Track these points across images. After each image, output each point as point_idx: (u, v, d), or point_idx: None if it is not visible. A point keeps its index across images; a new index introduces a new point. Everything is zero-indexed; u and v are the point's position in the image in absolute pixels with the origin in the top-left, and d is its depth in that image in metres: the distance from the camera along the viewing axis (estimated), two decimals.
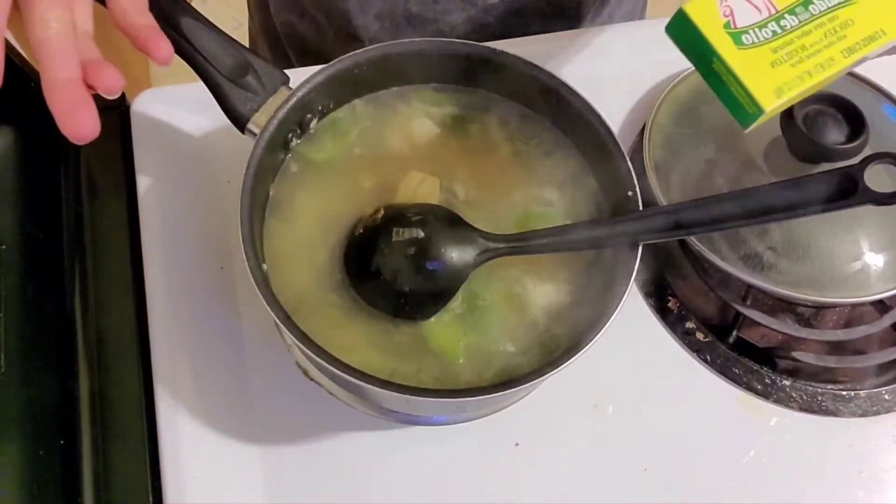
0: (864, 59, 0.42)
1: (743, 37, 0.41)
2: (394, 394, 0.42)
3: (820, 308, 0.59)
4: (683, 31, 0.42)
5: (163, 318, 0.55)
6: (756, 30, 0.41)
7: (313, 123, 0.51)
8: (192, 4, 0.48)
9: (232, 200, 0.45)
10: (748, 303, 0.57)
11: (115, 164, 0.61)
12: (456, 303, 0.47)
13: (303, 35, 0.72)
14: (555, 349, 0.47)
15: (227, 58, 0.47)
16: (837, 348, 0.58)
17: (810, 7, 0.42)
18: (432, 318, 0.47)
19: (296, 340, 0.42)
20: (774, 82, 0.41)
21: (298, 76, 0.49)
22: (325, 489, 0.51)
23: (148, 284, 0.56)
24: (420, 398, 0.43)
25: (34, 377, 0.51)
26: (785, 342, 0.58)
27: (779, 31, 0.41)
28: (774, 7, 0.42)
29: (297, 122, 0.50)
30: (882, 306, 0.59)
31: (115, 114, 0.63)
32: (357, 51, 0.49)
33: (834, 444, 0.54)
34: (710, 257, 0.55)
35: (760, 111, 0.41)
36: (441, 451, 0.53)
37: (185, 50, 0.46)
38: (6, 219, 0.55)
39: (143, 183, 0.59)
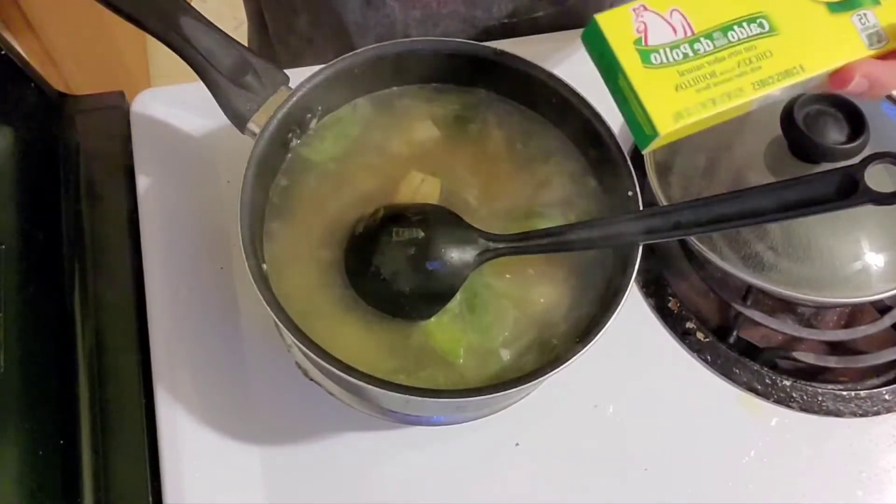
0: (774, 94, 0.41)
1: (652, 55, 0.40)
2: (394, 394, 0.42)
3: (820, 308, 0.58)
4: (595, 41, 0.41)
5: (163, 318, 0.55)
6: (667, 50, 0.40)
7: (313, 123, 0.51)
8: (192, 4, 0.48)
9: (232, 200, 0.44)
10: (748, 303, 0.57)
11: (115, 164, 0.61)
12: (456, 303, 0.47)
13: (299, 54, 0.73)
14: (555, 349, 0.47)
15: (227, 58, 0.47)
16: (838, 348, 0.58)
17: (729, 34, 0.41)
18: (432, 318, 0.47)
19: (295, 340, 0.42)
20: (675, 106, 0.40)
21: (298, 76, 0.49)
22: (325, 489, 0.51)
23: (148, 284, 0.56)
24: (420, 398, 0.43)
25: (34, 377, 0.51)
26: (785, 342, 0.58)
27: (690, 53, 0.40)
28: (692, 29, 0.41)
29: (297, 122, 0.50)
30: (882, 306, 0.59)
31: (116, 114, 0.63)
32: (357, 51, 0.49)
33: (834, 444, 0.54)
34: (710, 257, 0.55)
35: (656, 133, 0.40)
36: (441, 452, 0.53)
37: (185, 50, 0.46)
38: (6, 219, 0.55)
39: (142, 183, 0.59)
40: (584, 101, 0.49)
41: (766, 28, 0.41)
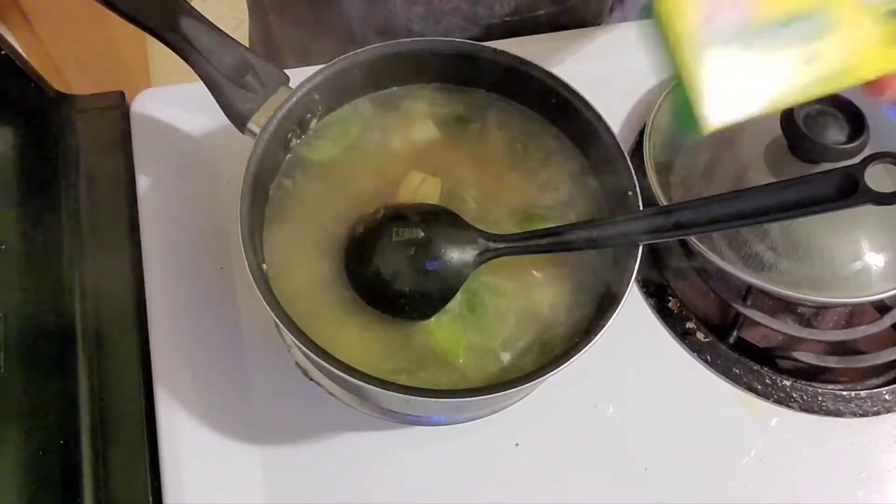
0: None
1: (710, 39, 0.37)
2: (394, 394, 0.42)
3: (820, 308, 0.58)
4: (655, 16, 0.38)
5: (163, 317, 0.55)
6: (728, 35, 0.38)
7: (313, 123, 0.51)
8: (192, 4, 0.48)
9: (232, 200, 0.44)
10: (748, 303, 0.57)
11: (114, 164, 0.61)
12: (456, 303, 0.47)
13: (302, 51, 0.73)
14: (555, 349, 0.46)
15: (227, 57, 0.47)
16: (838, 348, 0.58)
17: (790, 27, 0.38)
18: (432, 318, 0.47)
19: (296, 340, 0.42)
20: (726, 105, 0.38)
21: (298, 76, 0.48)
22: (325, 489, 0.51)
23: (148, 284, 0.56)
24: (420, 398, 0.43)
25: (34, 377, 0.51)
26: (785, 342, 0.58)
27: (750, 45, 0.38)
28: (753, 18, 0.38)
29: (297, 122, 0.50)
30: (882, 306, 0.59)
31: (115, 114, 0.63)
32: (357, 51, 0.49)
33: (834, 444, 0.54)
34: (710, 257, 0.55)
35: (700, 133, 0.38)
36: (441, 452, 0.53)
37: (185, 50, 0.46)
38: (6, 218, 0.55)
39: (142, 183, 0.59)
40: (584, 101, 0.49)
41: (826, 25, 0.39)
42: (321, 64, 0.49)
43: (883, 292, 0.54)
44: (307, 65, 0.56)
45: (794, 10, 0.38)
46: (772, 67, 0.38)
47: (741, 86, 0.38)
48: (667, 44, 0.38)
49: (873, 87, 0.41)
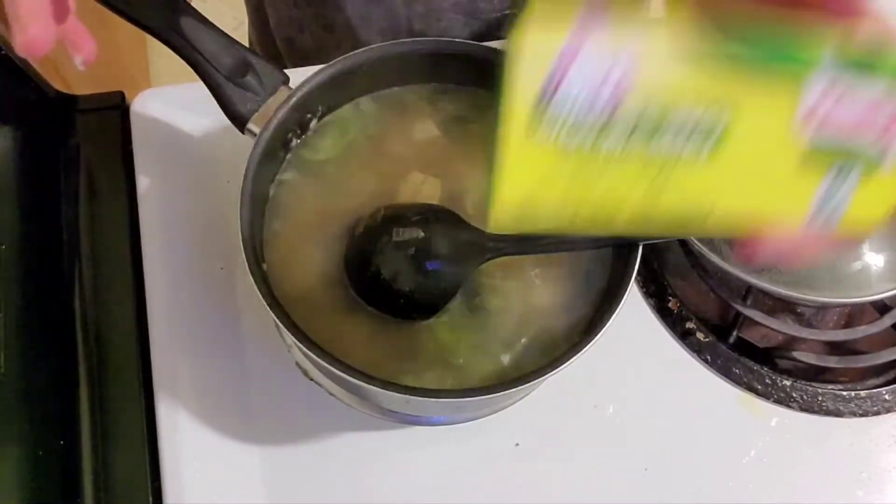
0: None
1: (543, 126, 0.29)
2: (394, 394, 0.42)
3: (820, 308, 0.58)
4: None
5: (163, 318, 0.55)
6: (566, 125, 0.28)
7: (313, 123, 0.51)
8: (192, 4, 0.48)
9: (232, 200, 0.44)
10: (748, 303, 0.57)
11: (114, 164, 0.61)
12: (456, 303, 0.47)
13: (302, 50, 0.73)
14: (555, 349, 0.46)
15: (227, 57, 0.47)
16: (838, 348, 0.58)
17: (652, 141, 0.28)
18: (432, 318, 0.47)
19: (296, 341, 0.42)
20: (526, 203, 0.30)
21: (298, 76, 0.48)
22: (325, 489, 0.51)
23: (148, 284, 0.56)
24: (420, 398, 0.43)
25: (34, 377, 0.51)
26: (785, 342, 0.58)
27: (588, 146, 0.29)
28: (615, 111, 0.28)
29: (297, 122, 0.50)
30: (882, 306, 0.59)
31: (115, 114, 0.63)
32: (357, 51, 0.49)
33: (834, 444, 0.54)
34: (710, 257, 0.55)
35: (489, 223, 0.31)
36: (441, 452, 0.53)
37: (185, 49, 0.46)
38: (6, 219, 0.55)
39: (142, 183, 0.59)
40: None
41: (709, 143, 0.28)
42: (325, 60, 0.49)
43: (883, 292, 0.54)
44: (307, 65, 0.56)
45: (680, 106, 0.28)
46: (607, 182, 0.29)
47: (549, 195, 0.29)
48: (499, 103, 0.29)
49: (746, 245, 0.31)
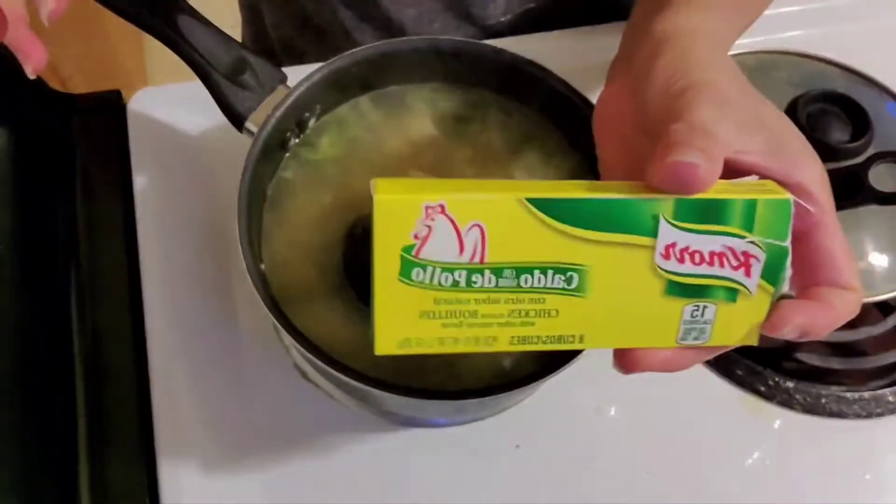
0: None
1: (415, 271, 0.31)
2: (393, 396, 0.41)
3: None
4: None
5: (160, 318, 0.54)
6: (437, 270, 0.31)
7: (311, 122, 0.51)
8: (190, 2, 0.47)
9: (230, 200, 0.44)
10: None
11: (111, 164, 0.60)
12: None
13: (301, 50, 0.72)
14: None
15: (225, 56, 0.47)
16: (841, 349, 0.58)
17: (523, 277, 0.32)
18: None
19: (294, 342, 0.42)
20: (407, 332, 0.32)
21: (296, 75, 0.48)
22: (324, 490, 0.51)
23: (145, 284, 0.55)
24: (419, 399, 0.42)
25: (31, 379, 0.51)
26: (788, 343, 0.58)
27: (463, 283, 0.31)
28: (482, 256, 0.31)
29: (295, 121, 0.49)
30: (886, 307, 0.58)
31: (113, 113, 0.62)
32: (355, 49, 0.49)
33: (838, 446, 0.54)
34: None
35: (373, 350, 0.33)
36: (441, 453, 0.52)
37: (182, 48, 0.46)
38: (5, 219, 0.54)
39: (140, 182, 0.59)
40: (584, 100, 0.49)
41: (574, 285, 0.32)
42: (320, 62, 0.49)
43: (887, 293, 0.53)
44: (305, 63, 0.56)
45: (545, 258, 0.32)
46: (483, 311, 0.32)
47: (428, 326, 0.32)
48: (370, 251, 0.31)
49: (625, 356, 0.34)
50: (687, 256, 0.32)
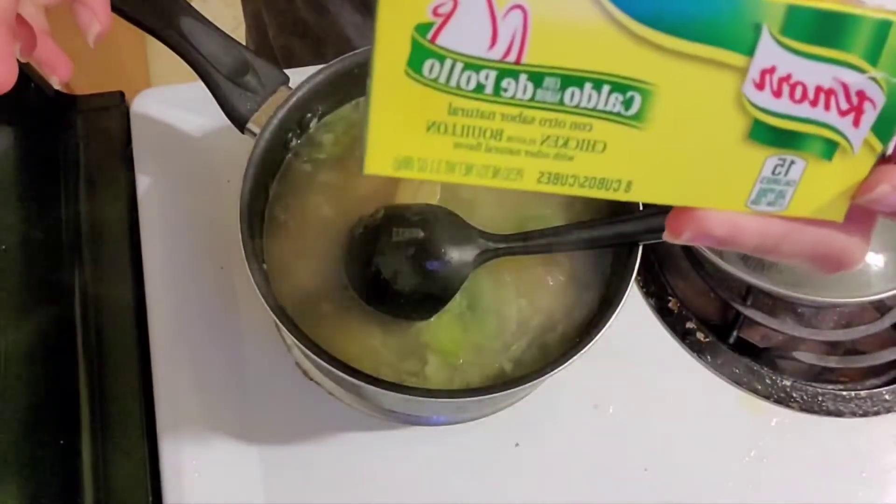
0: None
1: (428, 63, 0.23)
2: (394, 394, 0.42)
3: (820, 308, 0.58)
4: None
5: (162, 318, 0.55)
6: (459, 65, 0.23)
7: (313, 123, 0.51)
8: (192, 4, 0.48)
9: (232, 200, 0.44)
10: (748, 303, 0.57)
11: (114, 164, 0.61)
12: (456, 303, 0.47)
13: (300, 59, 0.73)
14: (554, 349, 0.46)
15: (227, 57, 0.47)
16: (838, 348, 0.58)
17: (569, 90, 0.24)
18: (432, 318, 0.47)
19: (296, 341, 0.42)
20: (407, 150, 0.25)
21: (298, 76, 0.48)
22: (325, 489, 0.51)
23: (148, 284, 0.56)
24: (420, 398, 0.43)
25: (34, 377, 0.51)
26: (785, 342, 0.58)
27: (489, 90, 0.24)
28: (521, 53, 0.23)
29: (297, 122, 0.50)
30: (882, 306, 0.59)
31: (115, 114, 0.63)
32: (356, 51, 0.49)
33: (835, 444, 0.54)
34: (710, 257, 0.55)
35: (363, 168, 0.25)
36: (441, 452, 0.53)
37: (185, 49, 0.46)
38: (6, 219, 0.55)
39: (142, 183, 0.59)
40: None
41: (633, 110, 0.24)
42: (321, 64, 0.49)
43: (883, 292, 0.54)
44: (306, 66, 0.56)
45: (602, 67, 0.24)
46: (511, 132, 0.25)
47: (438, 139, 0.25)
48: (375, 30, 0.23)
49: (678, 216, 0.27)
50: (786, 89, 0.25)
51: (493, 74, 0.23)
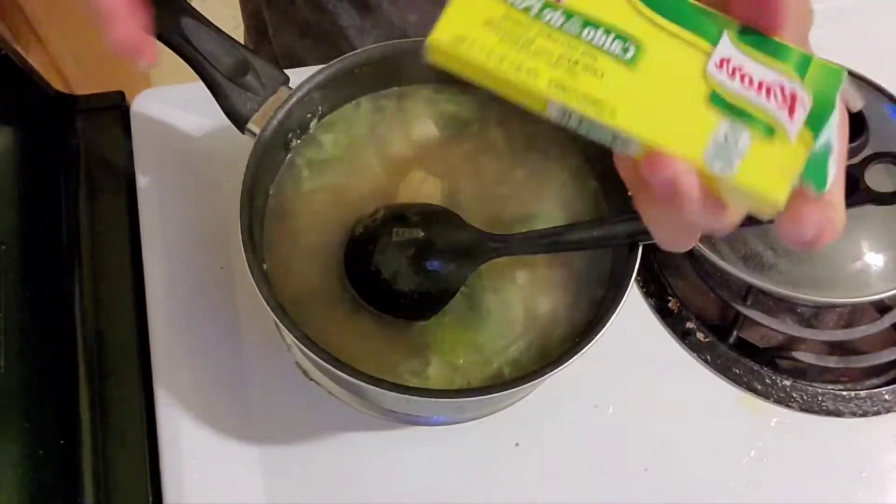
0: (564, 112, 0.32)
1: None
2: (394, 394, 0.42)
3: (820, 308, 0.58)
4: None
5: (163, 318, 0.55)
6: None
7: (313, 123, 0.51)
8: (192, 4, 0.48)
9: (232, 200, 0.44)
10: (748, 303, 0.57)
11: (115, 164, 0.61)
12: (456, 303, 0.47)
13: (301, 58, 0.73)
14: (554, 349, 0.46)
15: (227, 57, 0.47)
16: (838, 348, 0.58)
17: (587, 29, 0.33)
18: (432, 319, 0.47)
19: (296, 340, 0.42)
20: (466, 31, 0.33)
21: (298, 76, 0.48)
22: (325, 489, 0.51)
23: (148, 284, 0.56)
24: (420, 398, 0.43)
25: (34, 377, 0.51)
26: (785, 342, 0.58)
27: (534, 12, 0.33)
28: None
29: (297, 122, 0.50)
30: (882, 306, 0.59)
31: (115, 114, 0.63)
32: (357, 50, 0.49)
33: (835, 444, 0.54)
34: (710, 257, 0.55)
35: (429, 39, 0.33)
36: (441, 452, 0.53)
37: (185, 49, 0.46)
38: (6, 219, 0.55)
39: (142, 183, 0.59)
40: None
41: (628, 55, 0.32)
42: (321, 65, 0.49)
43: (883, 292, 0.54)
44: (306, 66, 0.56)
45: (611, 20, 0.33)
46: (540, 45, 0.33)
47: (486, 39, 0.33)
48: None
49: (648, 161, 0.31)
50: (738, 75, 0.32)
51: (540, 4, 0.33)
